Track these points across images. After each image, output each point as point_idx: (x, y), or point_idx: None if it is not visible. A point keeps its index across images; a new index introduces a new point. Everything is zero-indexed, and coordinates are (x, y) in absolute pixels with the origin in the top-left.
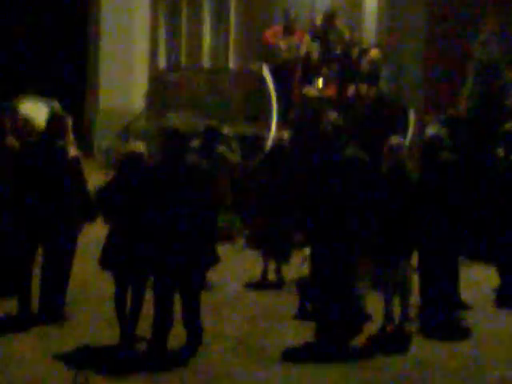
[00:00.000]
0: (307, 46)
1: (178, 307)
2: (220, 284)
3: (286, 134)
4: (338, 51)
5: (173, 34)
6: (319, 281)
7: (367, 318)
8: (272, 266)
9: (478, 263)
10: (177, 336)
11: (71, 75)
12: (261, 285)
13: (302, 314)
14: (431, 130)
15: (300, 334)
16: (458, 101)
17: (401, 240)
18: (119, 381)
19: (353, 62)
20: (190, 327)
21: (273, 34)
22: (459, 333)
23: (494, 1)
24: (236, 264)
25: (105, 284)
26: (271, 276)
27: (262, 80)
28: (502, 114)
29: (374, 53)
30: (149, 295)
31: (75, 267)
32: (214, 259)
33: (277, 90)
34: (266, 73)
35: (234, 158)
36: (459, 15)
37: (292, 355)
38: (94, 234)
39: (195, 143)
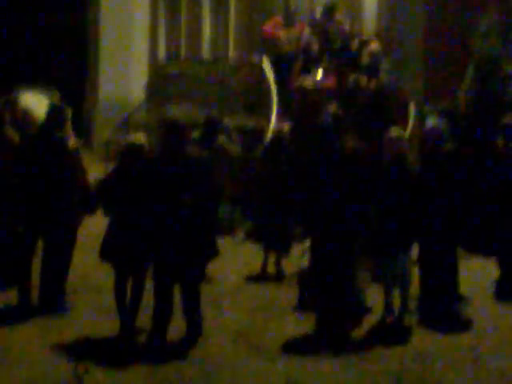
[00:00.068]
0: (307, 37)
1: (177, 299)
2: (220, 276)
3: (285, 126)
4: (338, 43)
5: (172, 25)
6: (319, 273)
7: (367, 309)
8: (272, 259)
9: (477, 255)
10: (176, 328)
11: (70, 67)
12: (261, 277)
13: (301, 306)
14: (431, 122)
15: (300, 326)
16: (457, 93)
17: (400, 232)
18: (119, 372)
19: (352, 54)
20: (189, 319)
21: (273, 25)
22: (459, 324)
23: None
24: (236, 256)
25: (105, 275)
26: (271, 268)
27: (262, 72)
28: (502, 107)
29: (374, 45)
30: (149, 285)
31: (75, 258)
32: (214, 251)
33: (277, 82)
34: (266, 64)
35: (234, 149)
36: (459, 6)
37: (292, 347)
38: (94, 226)
39: (195, 135)
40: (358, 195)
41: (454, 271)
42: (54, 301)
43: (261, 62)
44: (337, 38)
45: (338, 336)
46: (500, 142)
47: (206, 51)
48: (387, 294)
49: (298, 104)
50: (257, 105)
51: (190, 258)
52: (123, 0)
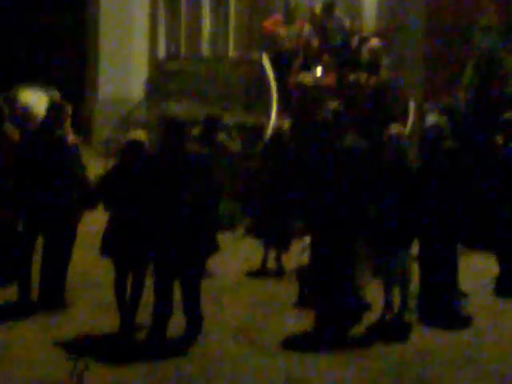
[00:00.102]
0: (307, 34)
1: (177, 295)
2: (220, 272)
3: (285, 123)
4: (338, 40)
5: (172, 23)
6: (319, 269)
7: (366, 307)
8: (272, 255)
9: (477, 252)
10: (176, 324)
11: (70, 65)
12: (261, 273)
13: (301, 303)
14: (432, 119)
15: (299, 322)
16: (457, 89)
17: (401, 229)
18: (118, 368)
19: (352, 51)
20: (189, 315)
21: (272, 22)
22: (459, 322)
23: None
24: (236, 252)
25: (104, 272)
26: (271, 264)
27: (262, 69)
28: (502, 104)
29: (374, 42)
30: (149, 282)
31: (75, 255)
32: (214, 247)
33: (276, 79)
34: (266, 61)
35: (234, 146)
36: (459, 2)
37: (292, 343)
38: (94, 222)
39: (195, 132)
40: (357, 192)
41: (453, 268)
42: (53, 297)
43: (260, 59)
44: (336, 35)
45: (337, 333)
46: (499, 139)
47: (205, 49)
48: (387, 291)
49: (297, 101)
50: (257, 102)
51: (190, 254)
52: None
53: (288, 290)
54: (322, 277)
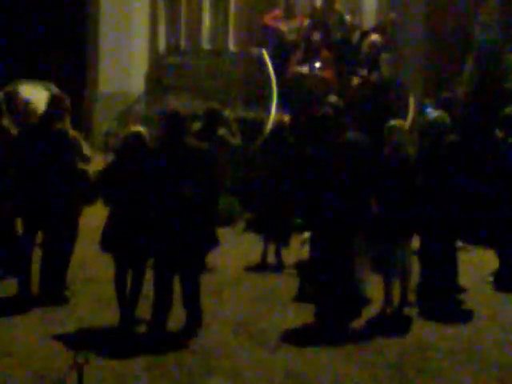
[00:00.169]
0: (307, 28)
1: (177, 289)
2: (220, 266)
3: (285, 117)
4: (338, 35)
5: (172, 17)
6: (319, 264)
7: (367, 300)
8: (272, 249)
9: (477, 247)
10: (176, 317)
11: (70, 59)
12: (260, 267)
13: (301, 297)
14: (433, 113)
15: (300, 316)
16: (457, 84)
17: (401, 223)
18: (119, 362)
19: (353, 47)
20: (189, 309)
21: (272, 17)
22: (458, 315)
23: None
24: (236, 247)
25: (104, 266)
26: (271, 259)
27: (262, 63)
28: (502, 98)
29: (375, 36)
30: (149, 275)
31: (75, 249)
32: (214, 242)
33: (277, 73)
34: (266, 56)
35: (235, 141)
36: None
37: (292, 337)
38: (94, 217)
39: (195, 126)
40: (357, 186)
41: (453, 262)
42: (54, 291)
43: (260, 53)
44: (337, 29)
45: (337, 327)
46: (500, 133)
47: (205, 43)
48: (387, 285)
49: (297, 95)
50: (257, 96)
51: (190, 248)
52: None
53: (288, 284)
54: (322, 271)
